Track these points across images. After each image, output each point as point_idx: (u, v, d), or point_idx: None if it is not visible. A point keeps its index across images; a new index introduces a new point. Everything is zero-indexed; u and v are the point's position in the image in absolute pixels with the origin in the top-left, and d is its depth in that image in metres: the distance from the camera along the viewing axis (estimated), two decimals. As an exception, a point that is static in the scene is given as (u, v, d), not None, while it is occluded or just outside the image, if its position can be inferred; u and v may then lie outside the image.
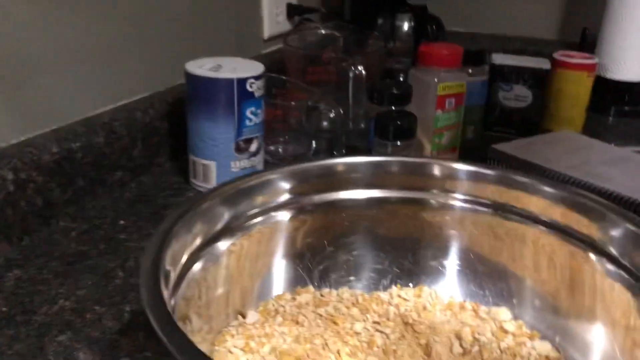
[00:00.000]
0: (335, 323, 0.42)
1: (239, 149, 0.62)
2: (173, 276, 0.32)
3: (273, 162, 0.70)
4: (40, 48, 0.56)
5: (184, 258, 0.34)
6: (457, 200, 0.44)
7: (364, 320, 0.43)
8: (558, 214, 0.40)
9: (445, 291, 0.45)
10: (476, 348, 0.40)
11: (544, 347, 0.40)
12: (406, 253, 0.46)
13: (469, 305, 0.44)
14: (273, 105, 0.69)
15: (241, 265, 0.40)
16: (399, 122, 0.63)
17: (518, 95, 0.79)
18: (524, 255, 0.42)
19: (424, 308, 0.44)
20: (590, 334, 0.38)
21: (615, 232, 0.37)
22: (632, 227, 0.36)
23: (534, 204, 0.41)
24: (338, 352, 0.40)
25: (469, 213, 0.44)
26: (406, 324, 0.43)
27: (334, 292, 0.45)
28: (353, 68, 0.76)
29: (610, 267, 0.37)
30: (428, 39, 0.96)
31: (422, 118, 0.69)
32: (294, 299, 0.44)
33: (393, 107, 0.66)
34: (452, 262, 0.45)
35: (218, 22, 0.81)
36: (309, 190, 0.43)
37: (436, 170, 0.44)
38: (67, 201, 0.58)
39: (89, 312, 0.45)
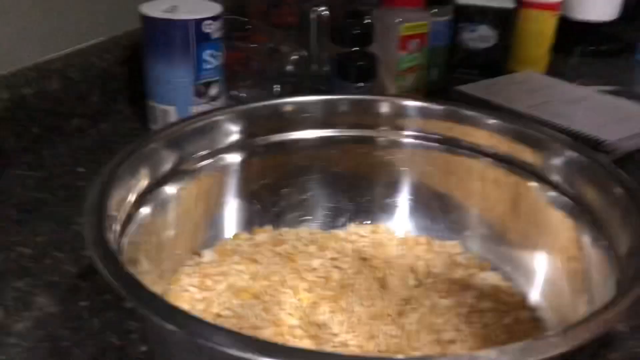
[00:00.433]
0: (293, 260, 0.43)
1: (198, 93, 0.61)
2: (119, 219, 0.32)
3: (235, 107, 0.69)
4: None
5: (130, 201, 0.34)
6: (407, 137, 0.45)
7: (322, 257, 0.43)
8: (504, 145, 0.41)
9: (401, 226, 0.46)
10: (430, 280, 0.41)
11: (494, 277, 0.41)
12: (361, 191, 0.46)
13: (422, 239, 0.45)
14: (234, 48, 0.68)
15: (191, 207, 0.40)
16: (360, 63, 0.62)
17: (482, 36, 0.79)
18: (473, 187, 0.43)
19: (380, 244, 0.45)
20: (535, 262, 0.40)
21: (557, 160, 0.38)
22: (572, 154, 0.37)
23: (481, 136, 0.42)
24: (295, 287, 0.40)
25: (419, 149, 0.44)
26: (363, 259, 0.44)
27: (292, 231, 0.46)
28: (316, 9, 0.75)
29: (552, 193, 0.38)
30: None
31: (386, 60, 0.68)
32: (251, 238, 0.44)
33: (355, 48, 0.65)
34: (405, 198, 0.46)
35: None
36: (259, 131, 0.43)
37: (385, 108, 0.44)
38: (24, 149, 0.57)
39: (48, 258, 0.45)
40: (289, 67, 0.72)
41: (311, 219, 0.46)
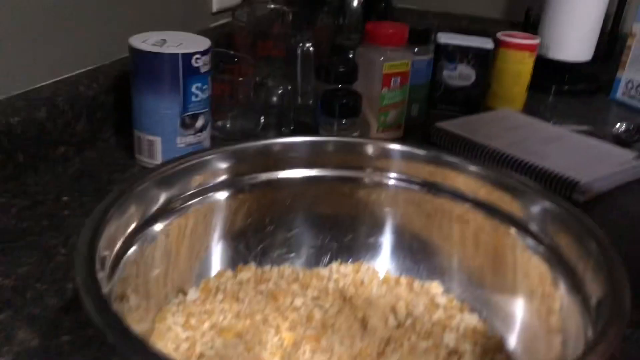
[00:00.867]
0: (275, 299, 0.43)
1: (184, 125, 0.62)
2: (109, 260, 0.33)
3: (221, 138, 0.70)
4: (-25, 19, 0.54)
5: (120, 241, 0.35)
6: (391, 179, 0.46)
7: (304, 296, 0.44)
8: (483, 191, 0.42)
9: (382, 266, 0.47)
10: (409, 321, 0.42)
11: (472, 319, 0.42)
12: (345, 230, 0.47)
13: (403, 279, 0.46)
14: (221, 80, 0.69)
15: (178, 244, 0.41)
16: (344, 101, 0.64)
17: (462, 74, 0.81)
18: (452, 231, 0.44)
19: (362, 283, 0.46)
20: (512, 305, 0.41)
21: (534, 209, 0.39)
22: (549, 204, 0.39)
23: (462, 181, 0.43)
24: (278, 327, 0.41)
25: (402, 191, 0.46)
26: (344, 298, 0.44)
27: (275, 269, 0.46)
28: (302, 44, 0.76)
29: (530, 241, 0.40)
30: (377, 16, 0.97)
31: (369, 96, 0.70)
32: (235, 276, 0.45)
33: (339, 85, 0.67)
34: (387, 238, 0.47)
35: (165, -7, 0.80)
36: (246, 170, 0.44)
37: (370, 150, 0.46)
38: (7, 177, 0.57)
39: (30, 290, 0.45)
40: (274, 100, 0.73)
41: (294, 256, 0.47)
